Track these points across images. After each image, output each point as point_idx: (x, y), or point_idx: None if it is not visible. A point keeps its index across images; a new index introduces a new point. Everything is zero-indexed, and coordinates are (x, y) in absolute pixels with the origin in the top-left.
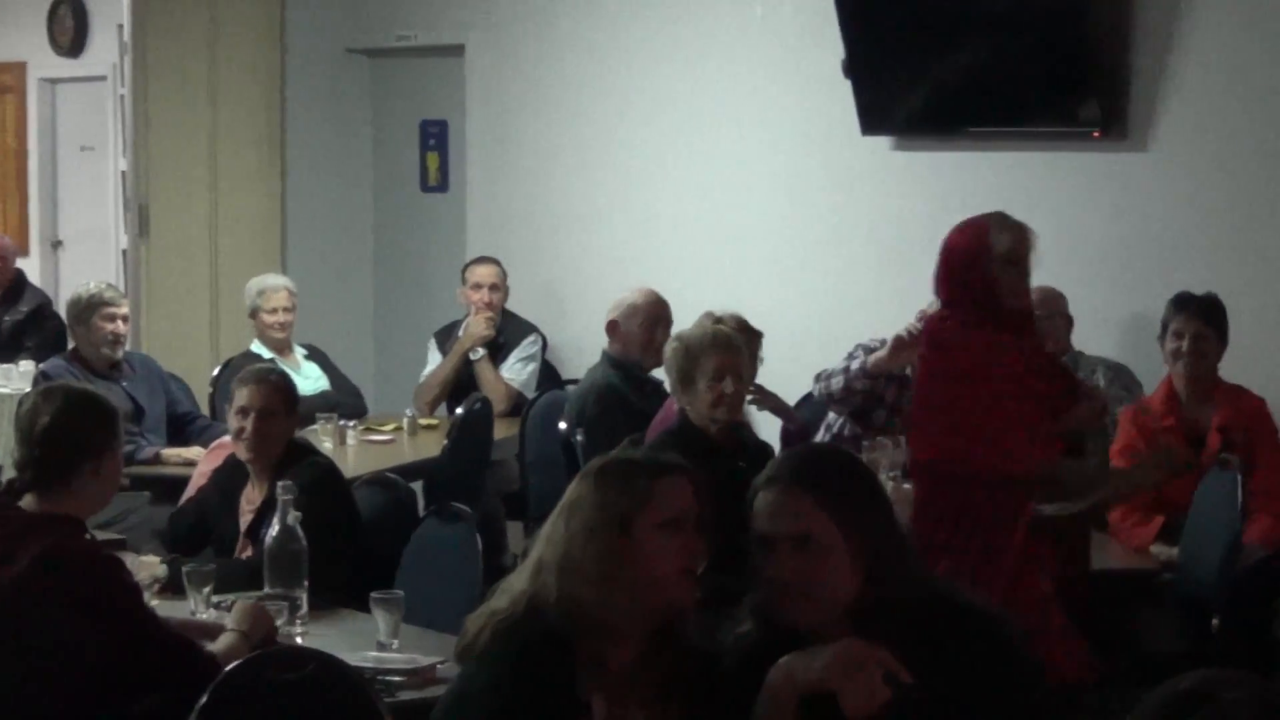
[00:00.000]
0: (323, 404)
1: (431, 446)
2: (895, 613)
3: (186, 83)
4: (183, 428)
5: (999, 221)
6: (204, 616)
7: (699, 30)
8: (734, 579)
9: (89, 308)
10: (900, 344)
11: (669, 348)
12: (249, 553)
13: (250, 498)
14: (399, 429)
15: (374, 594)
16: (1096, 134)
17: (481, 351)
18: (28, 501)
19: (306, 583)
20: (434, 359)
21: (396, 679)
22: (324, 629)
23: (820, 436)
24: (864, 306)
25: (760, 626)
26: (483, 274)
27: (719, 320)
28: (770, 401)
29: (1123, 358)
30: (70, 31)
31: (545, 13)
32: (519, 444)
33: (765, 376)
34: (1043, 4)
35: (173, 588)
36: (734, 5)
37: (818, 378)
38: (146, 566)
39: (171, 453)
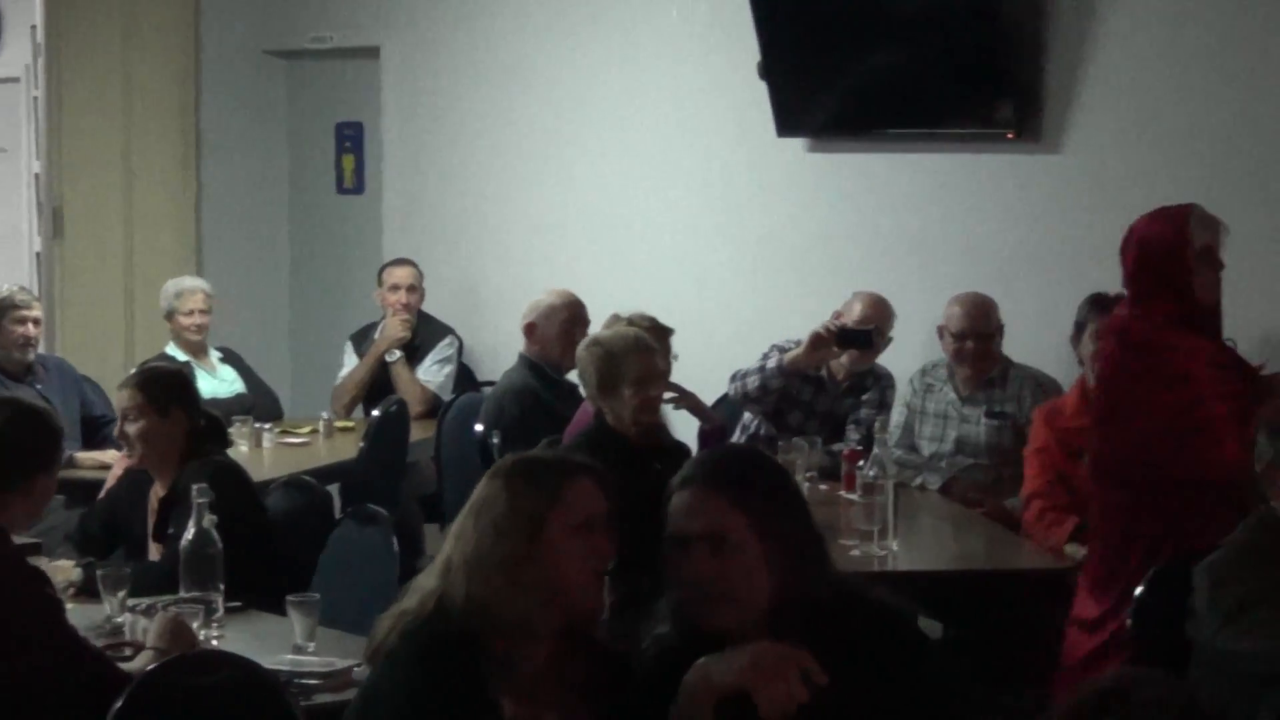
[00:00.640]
0: (239, 406)
1: (348, 449)
2: (811, 613)
3: (101, 84)
4: (97, 431)
5: (1199, 215)
6: (119, 620)
7: (615, 32)
8: (651, 580)
9: (0, 311)
10: (817, 341)
11: (585, 351)
12: (157, 554)
13: (156, 496)
14: (315, 431)
15: (290, 597)
16: (1010, 136)
17: (398, 353)
18: None
19: (222, 586)
20: (350, 361)
21: (312, 682)
22: (240, 632)
23: (736, 437)
24: (780, 306)
25: (677, 628)
26: (399, 276)
27: (630, 322)
28: (688, 401)
29: (1036, 359)
30: None
31: (461, 15)
32: (435, 446)
33: (681, 376)
34: (957, 6)
35: (88, 592)
36: (649, 7)
37: (733, 377)
38: (61, 570)
39: (86, 456)
